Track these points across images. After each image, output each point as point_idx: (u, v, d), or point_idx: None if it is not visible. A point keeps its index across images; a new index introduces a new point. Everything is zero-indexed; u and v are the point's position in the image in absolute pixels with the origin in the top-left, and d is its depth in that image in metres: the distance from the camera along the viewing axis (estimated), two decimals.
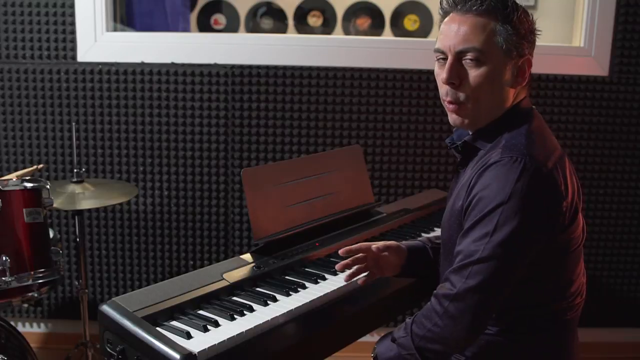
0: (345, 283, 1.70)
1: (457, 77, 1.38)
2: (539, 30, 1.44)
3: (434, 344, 1.34)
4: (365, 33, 3.43)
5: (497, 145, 1.40)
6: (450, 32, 1.39)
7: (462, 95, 1.40)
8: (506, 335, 1.43)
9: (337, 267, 1.55)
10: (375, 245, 1.59)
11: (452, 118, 1.45)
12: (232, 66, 2.76)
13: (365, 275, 1.58)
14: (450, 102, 1.42)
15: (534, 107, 1.48)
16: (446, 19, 1.42)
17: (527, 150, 1.32)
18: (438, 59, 1.44)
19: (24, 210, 1.87)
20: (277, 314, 1.50)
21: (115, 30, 2.88)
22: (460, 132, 1.54)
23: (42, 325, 2.95)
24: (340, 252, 1.56)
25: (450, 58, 1.39)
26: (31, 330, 2.95)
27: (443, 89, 1.43)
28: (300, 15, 3.45)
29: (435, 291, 1.36)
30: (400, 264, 1.64)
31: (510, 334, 1.43)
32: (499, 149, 1.37)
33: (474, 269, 1.27)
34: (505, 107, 1.43)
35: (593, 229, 2.87)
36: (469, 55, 1.37)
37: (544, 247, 1.34)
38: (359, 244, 1.59)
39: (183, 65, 2.76)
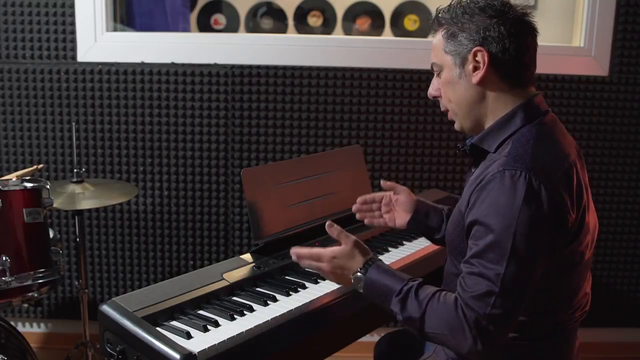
0: None
1: (436, 89, 1.52)
2: (491, 14, 1.38)
3: (443, 344, 1.34)
4: (365, 33, 3.43)
5: (505, 149, 1.38)
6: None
7: (444, 104, 1.51)
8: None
9: (353, 208, 1.82)
10: (388, 192, 1.82)
11: (455, 125, 1.54)
12: (232, 66, 2.76)
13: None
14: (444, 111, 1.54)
15: (548, 110, 1.45)
16: None
17: (531, 164, 1.29)
18: None
19: (24, 210, 1.87)
20: (277, 314, 1.51)
21: (115, 30, 2.88)
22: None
23: (42, 325, 2.96)
24: (358, 200, 1.82)
25: (434, 74, 1.52)
26: (31, 330, 2.95)
27: None
28: (300, 15, 3.45)
29: (457, 302, 1.30)
30: (409, 211, 1.80)
31: (507, 343, 1.41)
32: (503, 157, 1.35)
33: (498, 300, 1.25)
34: (485, 103, 1.42)
35: None
36: (434, 70, 1.50)
37: (549, 262, 1.32)
38: (374, 194, 1.84)
39: (183, 65, 2.76)
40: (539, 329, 1.41)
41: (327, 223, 1.48)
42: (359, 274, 1.41)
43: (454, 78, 1.44)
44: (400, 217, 1.81)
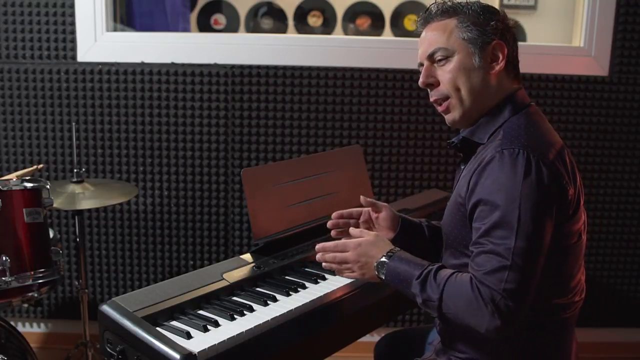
0: (345, 283, 1.70)
1: (431, 76, 1.50)
2: (502, 16, 1.50)
3: (462, 324, 1.32)
4: (365, 33, 3.43)
5: (496, 137, 1.42)
6: (421, 42, 1.52)
7: (443, 91, 1.49)
8: None
9: (328, 224, 1.68)
10: (366, 208, 1.71)
11: (447, 119, 1.53)
12: (232, 66, 2.76)
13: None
14: (436, 103, 1.52)
15: (532, 103, 1.50)
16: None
17: (527, 142, 1.34)
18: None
19: (24, 210, 1.87)
20: (277, 314, 1.50)
21: (115, 30, 2.88)
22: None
23: (42, 325, 2.95)
24: (333, 215, 1.68)
25: (425, 63, 1.51)
26: (31, 330, 2.95)
27: (430, 93, 1.53)
28: (300, 15, 3.45)
29: (472, 280, 1.30)
30: (393, 231, 1.69)
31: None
32: (497, 141, 1.39)
33: (510, 274, 1.26)
34: (491, 94, 1.47)
35: (593, 229, 2.87)
36: (438, 56, 1.48)
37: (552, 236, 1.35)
38: (351, 209, 1.70)
39: (183, 65, 2.76)
40: (539, 315, 1.41)
41: (350, 229, 1.56)
42: (383, 259, 1.43)
43: (471, 65, 1.45)
44: (383, 235, 1.65)
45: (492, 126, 1.46)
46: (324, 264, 1.52)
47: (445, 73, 1.47)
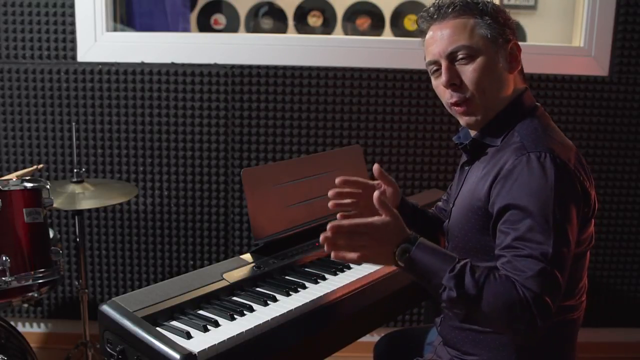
0: (345, 283, 1.70)
1: (456, 77, 1.42)
2: (513, 19, 1.50)
3: (492, 323, 1.32)
4: (365, 33, 3.43)
5: (511, 139, 1.40)
6: (436, 40, 1.44)
7: (467, 93, 1.42)
8: None
9: (329, 193, 1.54)
10: (372, 183, 1.60)
11: (464, 120, 1.47)
12: (232, 66, 2.76)
13: (352, 213, 1.54)
14: (456, 104, 1.45)
15: (538, 104, 1.49)
16: (428, 33, 1.48)
17: (551, 146, 1.34)
18: (433, 72, 1.48)
19: (24, 210, 1.87)
20: (277, 314, 1.50)
21: (115, 30, 2.88)
22: (466, 130, 1.55)
23: (42, 325, 2.96)
24: (337, 180, 1.55)
25: (444, 63, 1.43)
26: (31, 330, 2.95)
27: (447, 94, 1.45)
28: (300, 15, 3.45)
29: (515, 283, 1.26)
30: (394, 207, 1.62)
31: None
32: (518, 144, 1.37)
33: (550, 277, 1.26)
34: (508, 95, 1.45)
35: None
36: (461, 54, 1.41)
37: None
38: (358, 178, 1.57)
39: (183, 65, 2.76)
40: (555, 316, 1.40)
41: (375, 194, 1.29)
42: (405, 245, 1.29)
43: (495, 65, 1.42)
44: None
45: (503, 128, 1.43)
46: (326, 243, 1.27)
47: (469, 73, 1.41)
